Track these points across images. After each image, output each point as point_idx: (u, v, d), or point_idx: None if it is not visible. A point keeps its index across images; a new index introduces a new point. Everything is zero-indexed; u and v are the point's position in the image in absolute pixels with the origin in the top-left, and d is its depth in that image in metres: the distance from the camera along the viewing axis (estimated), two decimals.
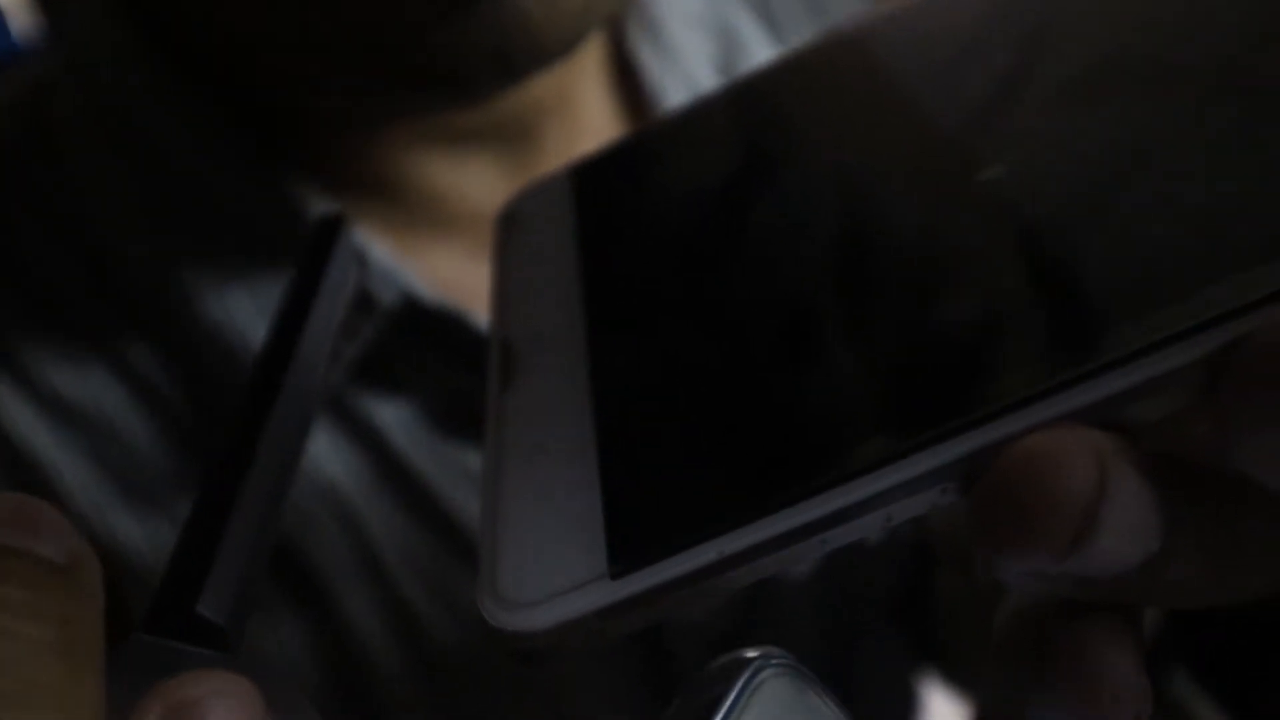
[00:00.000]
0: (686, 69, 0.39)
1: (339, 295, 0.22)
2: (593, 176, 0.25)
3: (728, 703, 0.16)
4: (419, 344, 0.33)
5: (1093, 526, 0.14)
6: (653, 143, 0.26)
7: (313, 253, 0.22)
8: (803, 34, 0.42)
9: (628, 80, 0.39)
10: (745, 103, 0.25)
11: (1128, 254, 0.15)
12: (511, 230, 0.25)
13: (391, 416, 0.33)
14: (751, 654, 0.16)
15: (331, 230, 0.23)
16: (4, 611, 0.12)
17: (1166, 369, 0.14)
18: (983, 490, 0.14)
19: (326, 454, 0.32)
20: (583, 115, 0.37)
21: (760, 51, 0.40)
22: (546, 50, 0.29)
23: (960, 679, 0.45)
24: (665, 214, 0.23)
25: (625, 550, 0.16)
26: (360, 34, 0.28)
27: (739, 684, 0.16)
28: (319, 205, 0.32)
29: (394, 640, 0.33)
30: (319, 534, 0.32)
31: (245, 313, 0.31)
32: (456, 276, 0.33)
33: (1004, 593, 0.17)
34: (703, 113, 0.26)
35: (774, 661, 0.16)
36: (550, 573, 0.17)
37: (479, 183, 0.35)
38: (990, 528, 0.14)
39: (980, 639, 0.24)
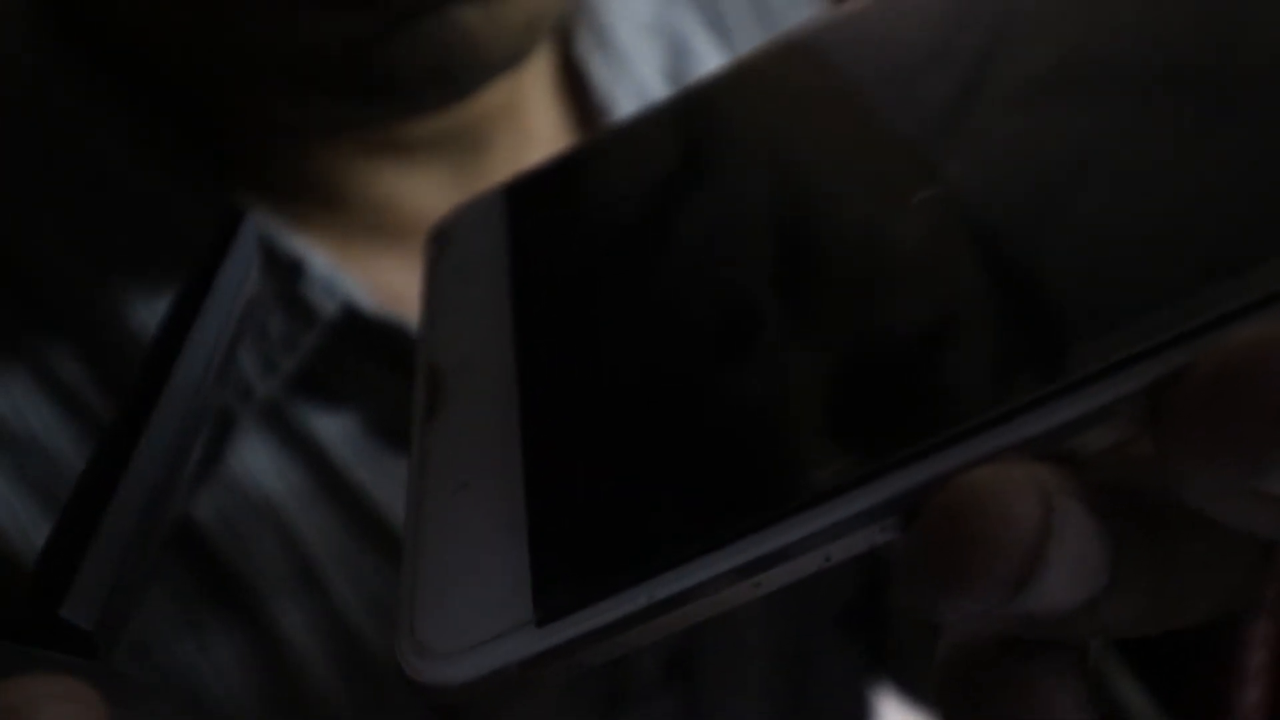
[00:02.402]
0: (636, 76, 0.38)
1: (236, 290, 0.21)
2: (526, 194, 0.24)
3: None
4: (360, 355, 0.32)
5: (1038, 567, 0.13)
6: (589, 159, 0.25)
7: (210, 246, 0.21)
8: (753, 42, 0.42)
9: (577, 87, 0.38)
10: (684, 118, 0.24)
11: (1068, 281, 0.15)
12: (442, 250, 0.24)
13: (332, 428, 0.32)
14: None
15: (232, 223, 0.22)
16: None
17: (1110, 399, 0.13)
18: (922, 529, 0.14)
19: (265, 467, 0.31)
20: (531, 123, 0.37)
21: (710, 59, 0.40)
22: (489, 65, 0.29)
23: (914, 690, 0.45)
24: (599, 234, 0.22)
25: (551, 596, 0.16)
26: (300, 48, 0.27)
27: None
28: (259, 216, 0.31)
29: (334, 655, 0.32)
30: (256, 548, 0.31)
31: None
32: (400, 287, 0.33)
33: None
34: (640, 128, 0.25)
35: None
36: (472, 620, 0.16)
37: (424, 191, 0.34)
38: (929, 568, 0.14)
39: (932, 650, 0.24)
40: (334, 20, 0.26)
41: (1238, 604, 0.15)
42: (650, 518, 0.16)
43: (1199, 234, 0.14)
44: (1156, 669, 0.44)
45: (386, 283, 0.33)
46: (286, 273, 0.31)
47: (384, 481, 0.32)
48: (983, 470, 0.13)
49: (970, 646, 0.15)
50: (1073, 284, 0.15)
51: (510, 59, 0.29)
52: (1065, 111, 0.17)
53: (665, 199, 0.22)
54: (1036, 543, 0.13)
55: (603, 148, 0.26)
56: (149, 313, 0.30)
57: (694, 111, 0.24)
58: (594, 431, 0.18)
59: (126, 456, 0.17)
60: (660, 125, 0.24)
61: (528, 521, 0.17)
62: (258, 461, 0.31)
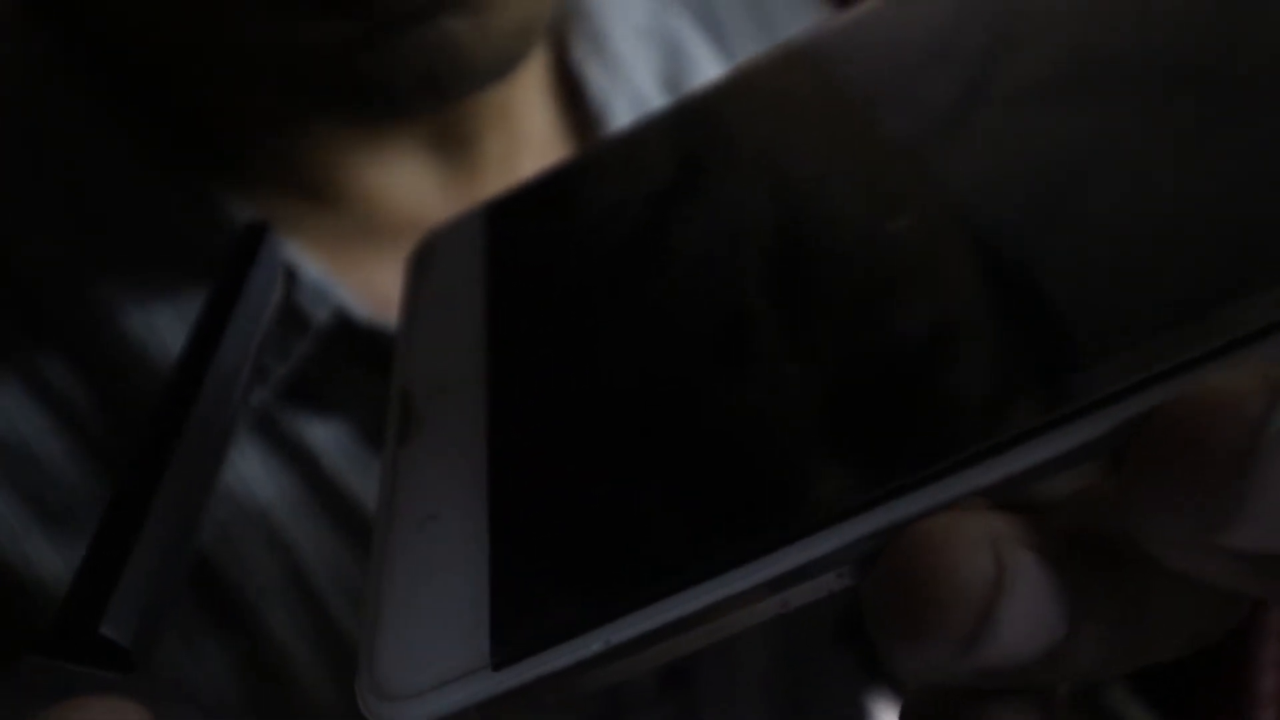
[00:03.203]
0: (632, 81, 0.38)
1: (262, 305, 0.21)
2: (505, 214, 0.24)
3: None
4: (352, 362, 0.32)
5: (990, 622, 0.13)
6: (570, 179, 0.25)
7: (234, 261, 0.21)
8: (749, 47, 0.42)
9: (572, 91, 0.38)
10: (673, 136, 0.24)
11: (1028, 329, 0.15)
12: (421, 271, 0.24)
13: (323, 436, 0.32)
14: None
15: (255, 237, 0.22)
16: None
17: (1069, 447, 0.13)
18: (874, 580, 0.13)
19: (256, 475, 0.31)
20: (524, 126, 0.37)
21: (706, 64, 0.40)
22: (477, 74, 0.28)
23: None
24: (576, 255, 0.22)
25: (507, 638, 0.15)
26: (289, 52, 0.27)
27: None
28: (248, 218, 0.31)
29: (325, 662, 0.32)
30: (247, 556, 0.31)
31: (170, 329, 0.30)
32: (391, 291, 0.32)
33: None
34: (627, 146, 0.24)
35: None
36: (431, 660, 0.15)
37: (415, 193, 0.34)
38: (882, 620, 0.13)
39: None
40: (323, 26, 0.26)
41: (1207, 642, 0.15)
42: (609, 560, 0.15)
43: (1159, 281, 0.14)
44: (1163, 692, 0.44)
45: (378, 287, 0.33)
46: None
47: (372, 488, 0.32)
48: (934, 521, 0.13)
49: (934, 690, 0.15)
50: (1032, 332, 0.14)
51: (499, 68, 0.29)
52: (1037, 145, 0.17)
53: (647, 219, 0.22)
54: (986, 599, 0.13)
55: (584, 166, 0.25)
56: (142, 318, 0.30)
57: (680, 128, 0.24)
58: (556, 468, 0.17)
59: (160, 473, 0.17)
60: (648, 142, 0.24)
61: (490, 557, 0.16)
62: (250, 469, 0.31)
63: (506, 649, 0.15)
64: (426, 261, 0.24)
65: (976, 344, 0.15)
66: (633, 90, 0.38)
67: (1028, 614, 0.13)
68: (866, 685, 0.44)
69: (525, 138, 0.36)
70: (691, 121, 0.24)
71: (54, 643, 0.15)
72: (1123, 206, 0.15)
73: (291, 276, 0.31)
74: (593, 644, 0.14)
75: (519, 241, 0.23)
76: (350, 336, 0.31)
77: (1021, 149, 0.17)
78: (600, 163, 0.25)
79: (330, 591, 0.32)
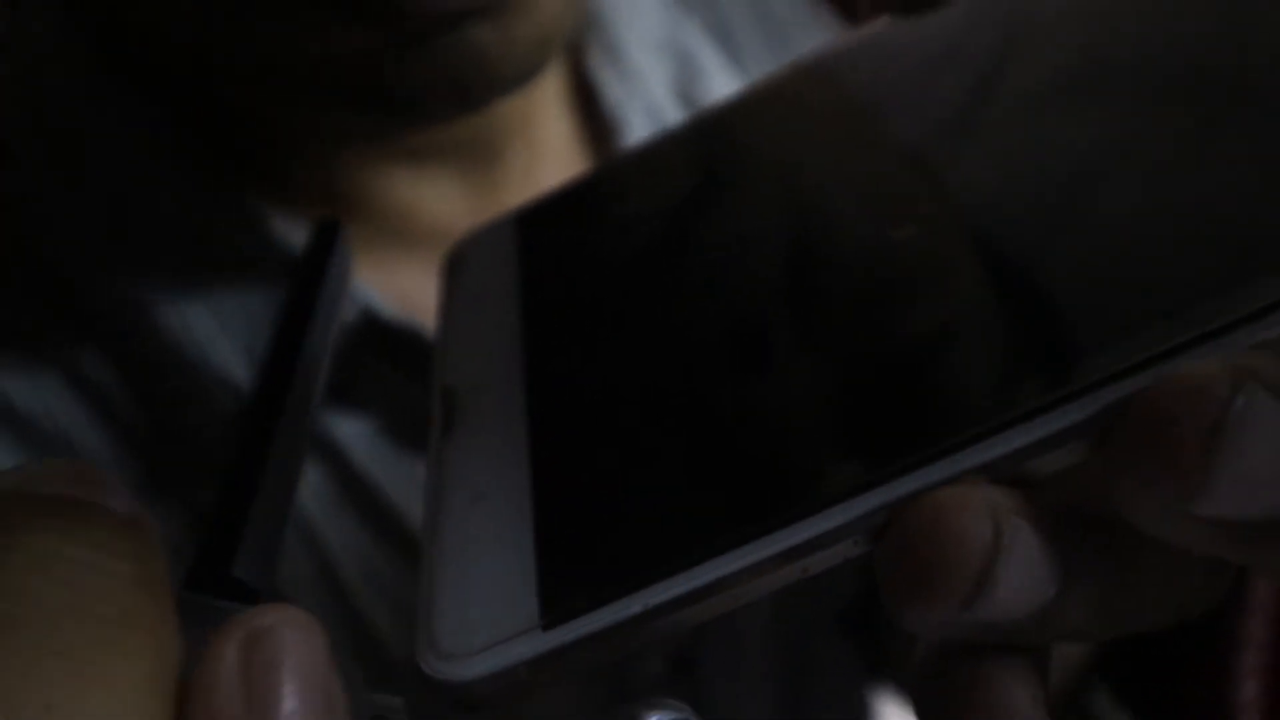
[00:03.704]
0: (645, 92, 0.39)
1: (338, 292, 0.23)
2: (537, 222, 0.26)
3: None
4: (379, 359, 0.33)
5: (988, 581, 0.15)
6: (598, 187, 0.26)
7: (314, 252, 0.23)
8: (760, 58, 0.43)
9: (588, 102, 0.39)
10: (692, 148, 0.25)
11: (1024, 322, 0.16)
12: (456, 275, 0.26)
13: (352, 432, 0.33)
14: (651, 709, 0.17)
15: (331, 232, 0.24)
16: (92, 549, 0.13)
17: (1061, 428, 0.15)
18: (886, 546, 0.15)
19: None
20: (543, 135, 0.38)
21: (718, 75, 0.41)
22: (502, 81, 0.30)
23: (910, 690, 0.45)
24: (606, 259, 0.24)
25: (555, 602, 0.17)
26: (319, 60, 0.28)
27: None
28: (280, 220, 0.32)
29: (350, 650, 0.33)
30: None
31: (204, 326, 0.32)
32: (418, 292, 0.34)
33: None
34: (649, 156, 0.26)
35: (673, 717, 0.17)
36: (484, 624, 0.17)
37: (440, 199, 0.35)
38: (893, 582, 0.15)
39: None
40: (352, 35, 0.27)
41: (1191, 612, 0.17)
42: (643, 533, 0.17)
43: (1137, 283, 0.16)
44: (1146, 699, 0.45)
45: (403, 289, 0.34)
46: None
47: (400, 483, 0.33)
48: (941, 493, 0.15)
49: (941, 649, 0.17)
50: (1028, 323, 0.16)
51: (523, 75, 0.30)
52: (1030, 156, 0.19)
53: (670, 224, 0.24)
54: (986, 560, 0.15)
55: (611, 176, 0.27)
56: (177, 316, 0.32)
57: (702, 140, 0.25)
58: (596, 449, 0.19)
59: (270, 436, 0.19)
60: (669, 153, 0.26)
61: (535, 533, 0.18)
62: None
63: (555, 611, 0.17)
64: (460, 266, 0.26)
65: (977, 338, 0.17)
66: (647, 99, 0.39)
67: (1022, 574, 0.15)
68: (867, 676, 0.45)
69: (544, 147, 0.38)
70: (712, 135, 0.25)
71: (194, 579, 0.17)
72: (1106, 221, 0.17)
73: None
74: (633, 606, 0.16)
75: (550, 246, 0.25)
76: (378, 335, 0.33)
77: (1014, 162, 0.19)
78: (625, 173, 0.27)
79: (359, 584, 0.33)
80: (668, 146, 0.26)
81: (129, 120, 0.32)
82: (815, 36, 0.45)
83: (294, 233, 0.32)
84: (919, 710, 0.17)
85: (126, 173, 0.32)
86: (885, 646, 0.44)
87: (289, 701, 0.13)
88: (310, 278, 0.22)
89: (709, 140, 0.25)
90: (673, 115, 0.40)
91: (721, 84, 0.41)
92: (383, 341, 0.33)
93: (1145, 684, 0.45)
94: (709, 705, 0.39)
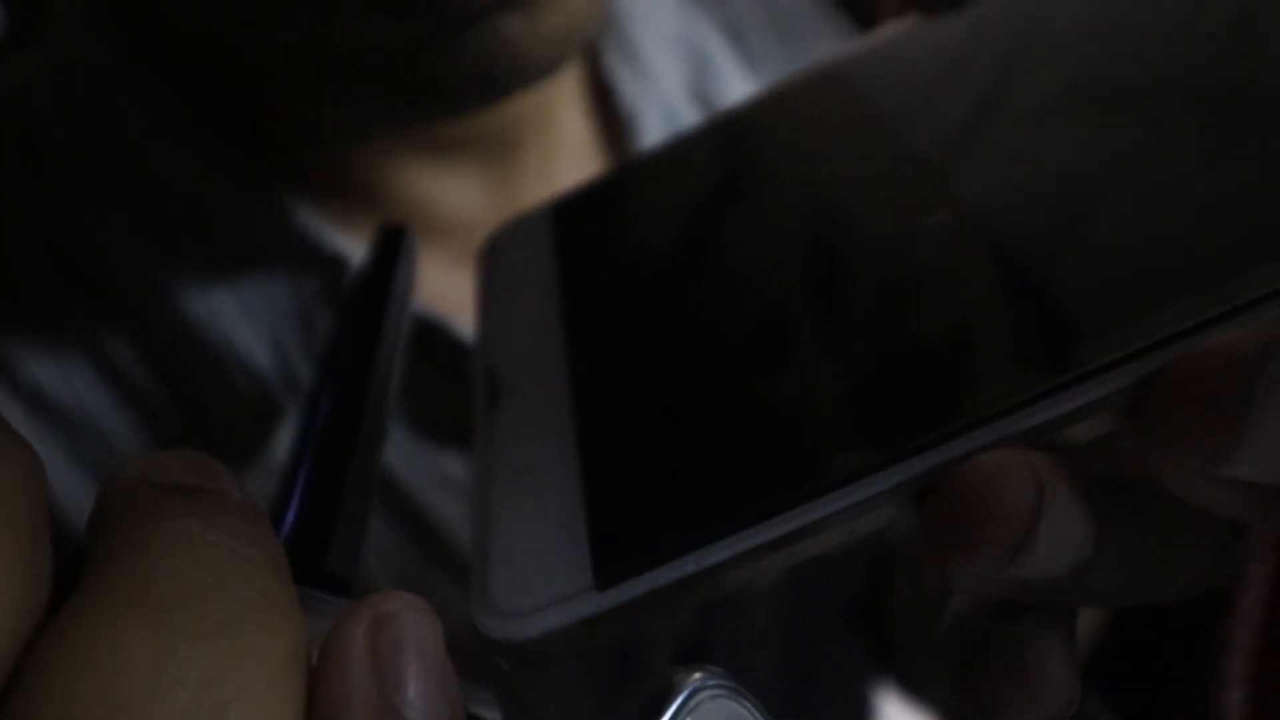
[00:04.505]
0: (660, 89, 0.40)
1: (406, 289, 0.24)
2: (572, 211, 0.27)
3: None
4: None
5: (1032, 537, 0.15)
6: (631, 179, 0.27)
7: (382, 252, 0.24)
8: (771, 56, 0.43)
9: (604, 98, 0.40)
10: (724, 140, 0.26)
11: (1063, 294, 0.17)
12: (494, 263, 0.27)
13: None
14: (690, 675, 0.16)
15: (398, 235, 0.25)
16: (229, 536, 0.14)
17: (1096, 397, 0.15)
18: (935, 505, 0.16)
19: None
20: (561, 130, 0.38)
21: (731, 72, 0.42)
22: (530, 71, 0.30)
23: (916, 686, 0.46)
24: (641, 248, 0.25)
25: (609, 564, 0.18)
26: (349, 52, 0.29)
27: (674, 705, 0.16)
28: (305, 212, 0.32)
29: None
30: None
31: (230, 315, 0.32)
32: (439, 285, 0.34)
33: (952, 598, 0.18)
34: (681, 149, 0.27)
35: (711, 684, 0.16)
36: (539, 585, 0.18)
37: (461, 193, 0.36)
38: (942, 538, 0.16)
39: (933, 646, 0.26)
40: (385, 27, 0.28)
41: (1210, 581, 0.17)
42: (694, 498, 0.18)
43: (1176, 254, 0.16)
44: (1135, 704, 0.46)
45: (426, 282, 0.34)
46: (332, 268, 0.32)
47: (421, 474, 0.34)
48: (987, 456, 0.16)
49: (973, 608, 0.17)
50: (1067, 297, 0.17)
51: (549, 66, 0.30)
52: (1068, 140, 0.20)
53: (702, 215, 0.24)
54: (1029, 517, 0.15)
55: (643, 169, 0.28)
56: (203, 303, 0.32)
57: (731, 138, 0.26)
58: (642, 422, 0.20)
59: (355, 431, 0.20)
60: (698, 149, 0.27)
61: (585, 500, 0.19)
62: None
63: (610, 572, 0.17)
64: (498, 255, 0.27)
65: (1018, 313, 0.18)
66: (662, 98, 0.40)
67: (1061, 532, 0.15)
68: (873, 670, 0.46)
69: (561, 143, 0.38)
70: (739, 133, 0.26)
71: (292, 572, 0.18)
72: (1144, 200, 0.18)
73: (343, 266, 0.32)
74: (686, 567, 0.17)
75: (588, 235, 0.26)
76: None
77: (1049, 148, 0.20)
78: (657, 167, 0.27)
79: (379, 575, 0.33)
80: (697, 143, 0.27)
81: (157, 110, 0.33)
82: (825, 35, 0.45)
83: (317, 226, 0.33)
84: (953, 668, 0.17)
85: (154, 162, 0.33)
86: (891, 641, 0.45)
87: (414, 682, 0.14)
88: (380, 280, 0.23)
89: (736, 138, 0.26)
90: (687, 113, 0.40)
91: (734, 82, 0.42)
92: (412, 336, 0.33)
93: (1133, 689, 0.46)
94: None
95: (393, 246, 0.24)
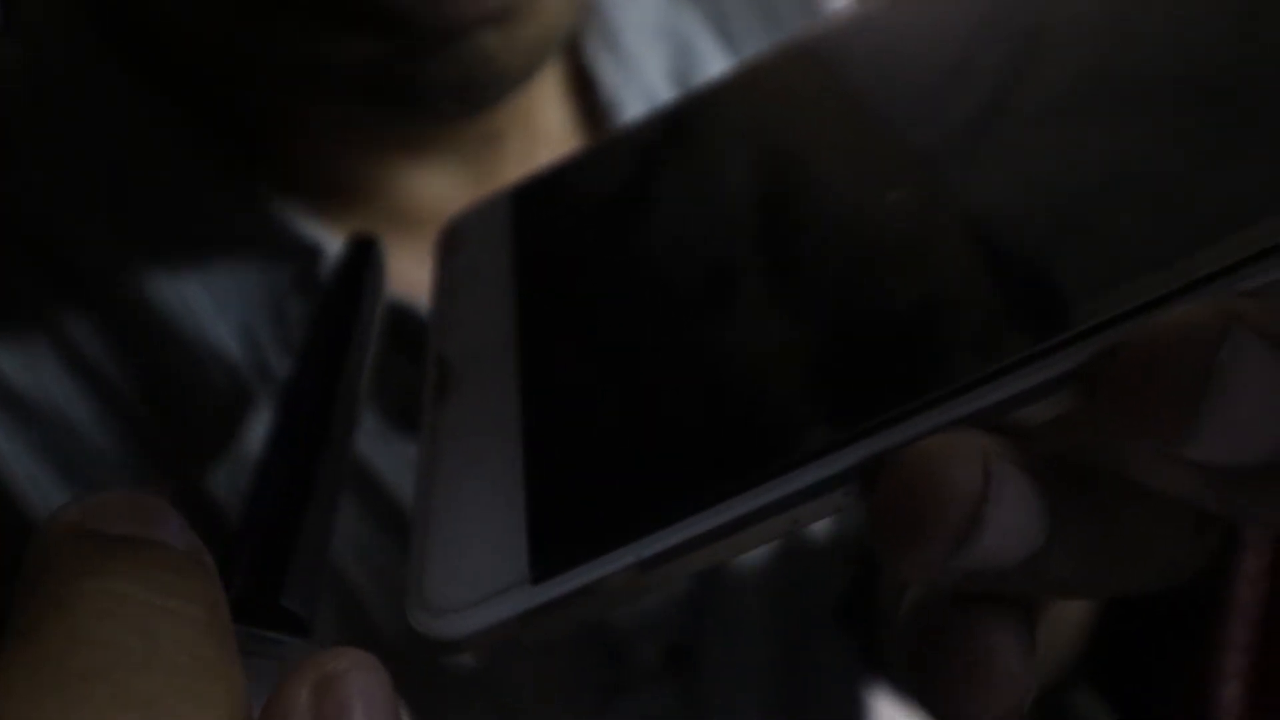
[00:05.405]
0: (643, 78, 0.39)
1: (375, 303, 0.24)
2: (531, 198, 0.26)
3: None
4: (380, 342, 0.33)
5: (977, 525, 0.15)
6: (590, 164, 0.27)
7: (350, 265, 0.24)
8: (756, 45, 0.43)
9: (586, 88, 0.39)
10: (683, 123, 0.26)
11: (1010, 270, 0.17)
12: (451, 249, 0.26)
13: None
14: None
15: (368, 247, 0.25)
16: (164, 594, 0.13)
17: (1047, 377, 0.15)
18: (879, 492, 0.15)
19: None
20: (542, 122, 0.38)
21: (715, 61, 0.41)
22: (507, 80, 0.30)
23: (903, 681, 0.46)
24: (596, 233, 0.24)
25: (545, 557, 0.17)
26: (331, 65, 0.29)
27: None
28: (281, 204, 0.32)
29: (344, 629, 0.33)
30: None
31: (201, 304, 0.31)
32: (414, 275, 0.34)
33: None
34: (639, 134, 0.26)
35: None
36: (475, 580, 0.17)
37: (440, 186, 0.35)
38: (885, 527, 0.15)
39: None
40: (364, 43, 0.28)
41: (1180, 575, 0.17)
42: (629, 492, 0.17)
43: (1129, 230, 0.16)
44: (1130, 699, 0.45)
45: (401, 271, 0.34)
46: (305, 257, 0.32)
47: (391, 461, 0.33)
48: (932, 439, 0.15)
49: (930, 597, 0.17)
50: (1017, 275, 0.17)
51: (526, 73, 0.30)
52: (1023, 116, 0.19)
53: (657, 198, 0.24)
54: (975, 502, 0.15)
55: (602, 153, 0.27)
56: (174, 293, 0.31)
57: (691, 122, 0.26)
58: (585, 410, 0.20)
59: (316, 457, 0.19)
60: (658, 130, 0.26)
61: (525, 493, 0.19)
62: None
63: (544, 566, 0.17)
64: (455, 242, 0.26)
65: (965, 291, 0.17)
66: (644, 86, 0.39)
67: (1010, 519, 0.15)
68: (862, 669, 0.46)
69: (543, 133, 0.38)
70: (700, 111, 0.26)
71: (242, 611, 0.17)
72: (1092, 177, 0.17)
73: (317, 254, 0.32)
74: (623, 558, 0.16)
75: (543, 220, 0.25)
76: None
77: (995, 122, 0.19)
78: (616, 149, 0.27)
79: (349, 562, 0.33)
80: (657, 123, 0.26)
81: (129, 99, 0.32)
82: (811, 19, 0.45)
83: (291, 215, 0.32)
84: (908, 661, 0.17)
85: (125, 151, 0.32)
86: (879, 639, 0.44)
87: None
88: (346, 296, 0.23)
89: (697, 117, 0.26)
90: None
91: (718, 70, 0.41)
92: (386, 325, 0.32)
93: (1128, 685, 0.46)
94: (705, 695, 0.39)
95: (361, 258, 0.24)
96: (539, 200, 0.26)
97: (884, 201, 0.19)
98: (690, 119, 0.26)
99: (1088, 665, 0.45)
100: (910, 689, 0.44)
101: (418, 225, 0.35)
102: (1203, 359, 0.13)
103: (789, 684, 0.41)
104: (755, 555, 0.38)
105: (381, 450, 0.33)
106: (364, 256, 0.24)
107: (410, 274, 0.34)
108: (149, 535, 0.14)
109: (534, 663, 0.35)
